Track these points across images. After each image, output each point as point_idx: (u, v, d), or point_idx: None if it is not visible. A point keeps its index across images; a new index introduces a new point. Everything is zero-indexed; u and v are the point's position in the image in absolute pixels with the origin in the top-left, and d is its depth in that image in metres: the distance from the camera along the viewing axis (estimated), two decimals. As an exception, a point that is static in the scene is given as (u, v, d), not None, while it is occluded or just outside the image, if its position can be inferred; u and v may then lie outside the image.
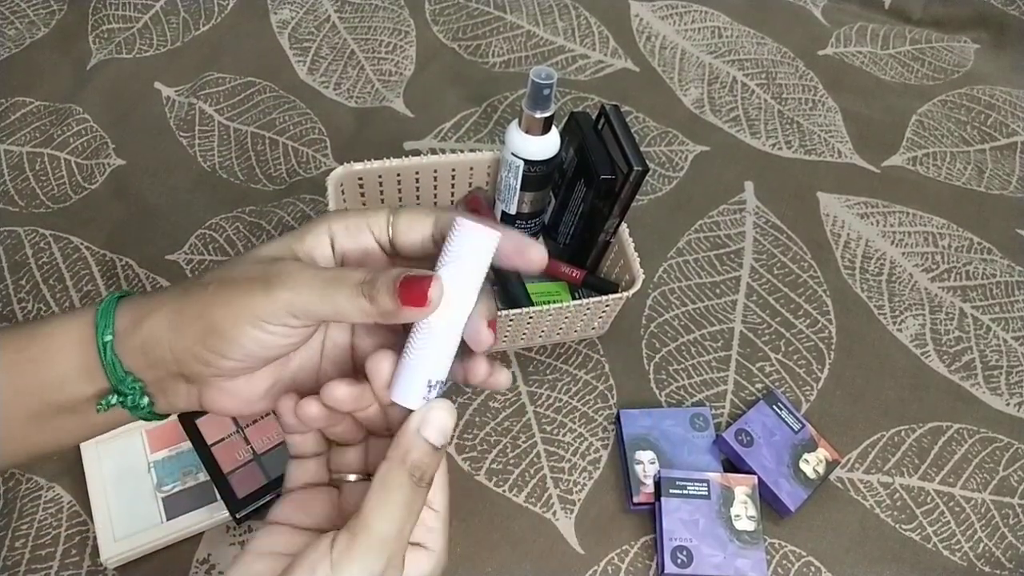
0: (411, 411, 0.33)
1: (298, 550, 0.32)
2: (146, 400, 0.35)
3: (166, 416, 0.37)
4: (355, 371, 0.37)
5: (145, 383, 0.34)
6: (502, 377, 0.35)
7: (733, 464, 0.63)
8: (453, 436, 0.64)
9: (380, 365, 0.33)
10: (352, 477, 0.38)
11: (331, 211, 0.35)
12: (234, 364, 0.33)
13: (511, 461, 0.63)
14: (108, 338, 0.33)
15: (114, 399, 0.34)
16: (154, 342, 0.33)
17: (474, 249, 0.31)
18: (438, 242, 0.33)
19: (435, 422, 0.32)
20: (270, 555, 0.34)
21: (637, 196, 0.64)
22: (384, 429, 0.37)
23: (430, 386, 0.32)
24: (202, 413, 0.60)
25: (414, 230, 0.34)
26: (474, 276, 0.32)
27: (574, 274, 0.70)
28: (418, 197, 0.72)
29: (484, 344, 0.33)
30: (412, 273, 0.30)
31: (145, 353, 0.33)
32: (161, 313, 0.33)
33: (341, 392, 0.33)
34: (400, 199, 0.72)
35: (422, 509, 0.33)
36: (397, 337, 0.37)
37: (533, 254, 0.33)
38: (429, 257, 0.34)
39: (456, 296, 0.31)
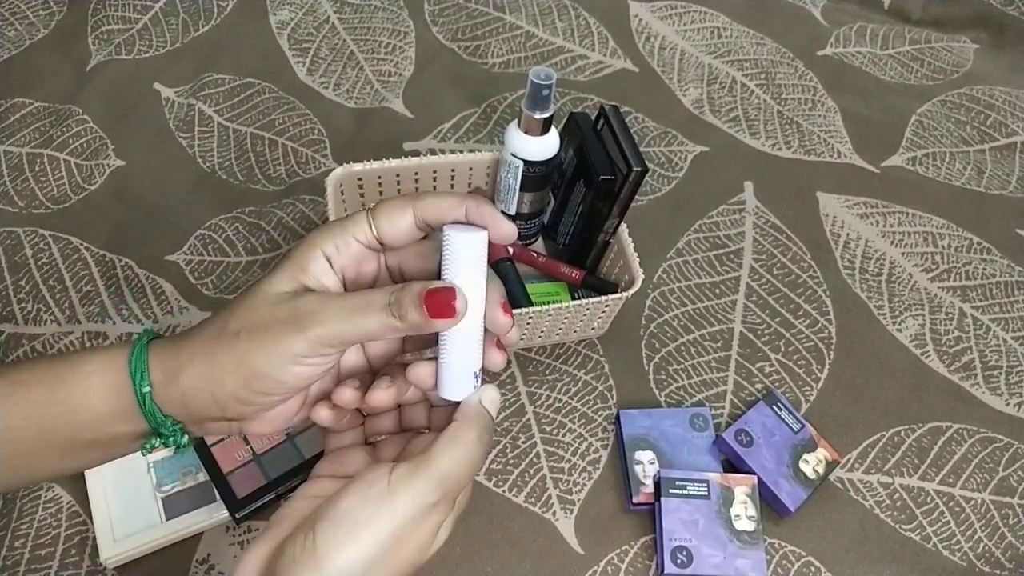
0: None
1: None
2: (186, 438, 0.37)
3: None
4: (370, 367, 0.41)
5: (184, 424, 0.37)
6: (512, 333, 0.38)
7: (733, 464, 0.63)
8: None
9: (421, 373, 0.37)
10: (385, 436, 0.41)
11: (316, 232, 0.37)
12: (278, 399, 0.35)
13: (511, 461, 0.63)
14: (147, 390, 0.35)
15: (157, 442, 0.37)
16: (195, 393, 0.35)
17: (471, 253, 0.34)
18: (422, 228, 0.36)
19: (490, 398, 0.37)
20: (314, 497, 0.36)
21: (637, 196, 0.64)
22: (419, 400, 0.41)
23: (476, 376, 0.36)
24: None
25: (397, 225, 0.36)
26: (480, 276, 0.35)
27: (573, 274, 0.70)
28: (417, 197, 0.72)
29: (505, 327, 0.36)
30: (433, 286, 0.33)
31: (185, 404, 0.35)
32: (196, 367, 0.35)
33: (381, 397, 0.37)
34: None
35: (477, 471, 0.36)
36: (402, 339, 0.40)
37: (502, 228, 0.35)
38: (416, 242, 0.37)
39: (472, 298, 0.34)
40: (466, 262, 0.34)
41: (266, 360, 0.34)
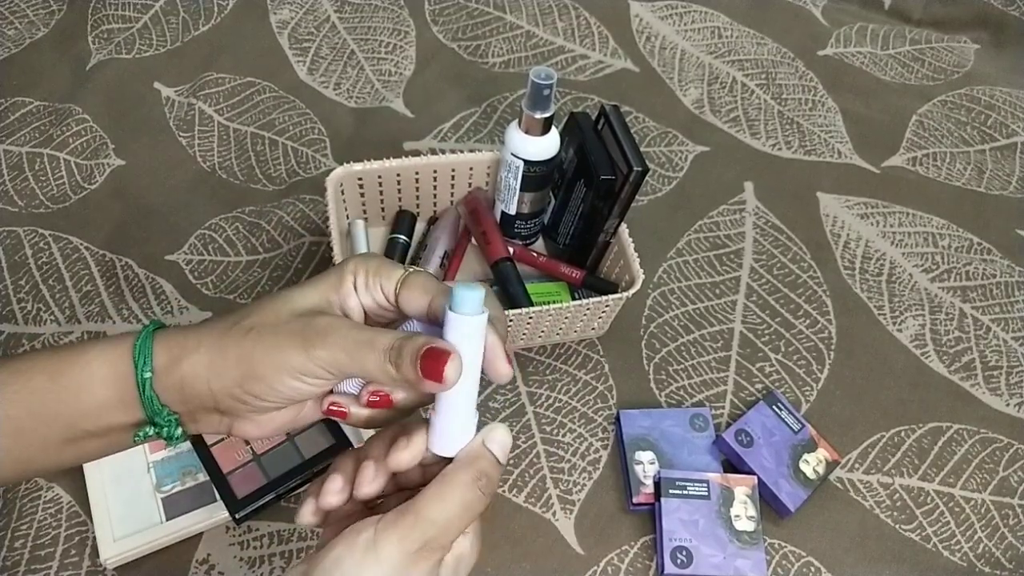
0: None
1: None
2: (179, 431, 0.37)
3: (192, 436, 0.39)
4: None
5: (179, 415, 0.36)
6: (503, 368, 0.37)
7: (733, 464, 0.63)
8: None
9: (403, 459, 0.36)
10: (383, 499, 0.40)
11: (357, 258, 0.38)
12: (269, 405, 0.35)
13: (511, 461, 0.63)
14: (148, 375, 0.35)
15: (150, 431, 0.36)
16: (193, 380, 0.35)
17: (468, 335, 0.34)
18: (431, 314, 0.36)
19: (498, 438, 0.36)
20: None
21: (637, 196, 0.64)
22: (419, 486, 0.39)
23: (466, 432, 0.36)
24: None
25: (414, 300, 0.36)
26: (476, 357, 0.34)
27: (574, 274, 0.70)
28: (418, 197, 0.72)
29: (505, 377, 0.36)
30: (434, 345, 0.33)
31: (182, 390, 0.35)
32: (200, 354, 0.35)
33: (369, 490, 0.35)
34: (400, 199, 0.72)
35: (476, 517, 0.35)
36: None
37: (500, 367, 0.35)
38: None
39: (466, 368, 0.34)
40: (463, 338, 0.34)
41: (266, 365, 0.34)
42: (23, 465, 0.37)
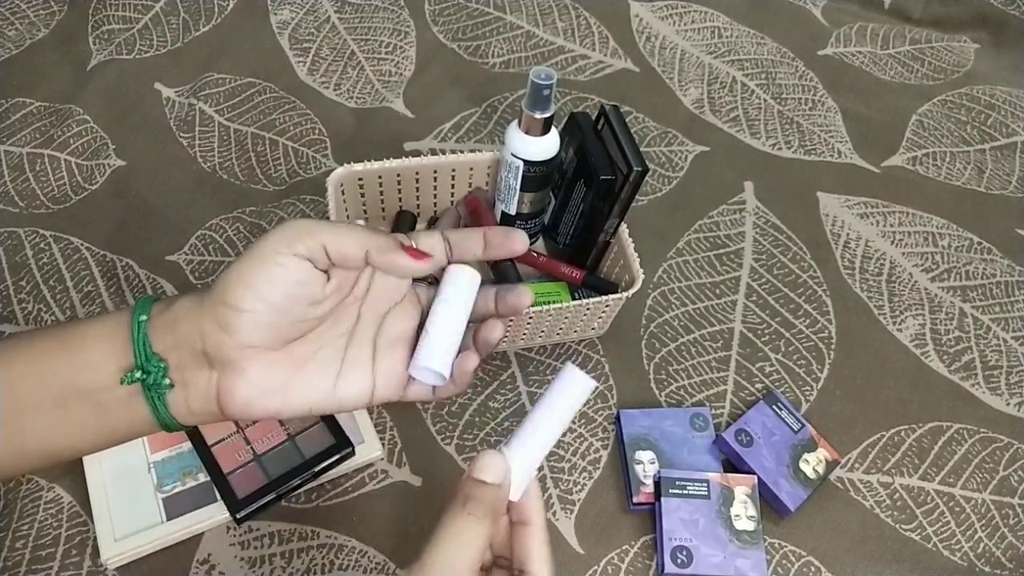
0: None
1: None
2: (167, 381, 0.37)
3: (178, 428, 0.39)
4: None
5: (168, 364, 0.37)
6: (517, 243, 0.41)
7: (733, 464, 0.63)
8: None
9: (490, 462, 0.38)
10: None
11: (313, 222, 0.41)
12: (251, 317, 0.36)
13: (511, 461, 0.63)
14: (143, 318, 0.37)
15: (138, 374, 0.37)
16: (182, 316, 0.37)
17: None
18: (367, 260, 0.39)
19: (478, 463, 0.37)
20: None
21: (637, 196, 0.64)
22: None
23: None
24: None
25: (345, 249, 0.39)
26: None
27: (574, 274, 0.70)
28: (418, 197, 0.73)
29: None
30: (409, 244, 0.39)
31: (173, 331, 0.37)
32: (189, 296, 0.38)
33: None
34: (400, 200, 0.72)
35: (486, 539, 0.36)
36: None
37: (515, 244, 0.40)
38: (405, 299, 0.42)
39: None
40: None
41: (241, 270, 0.36)
42: (17, 439, 0.37)
